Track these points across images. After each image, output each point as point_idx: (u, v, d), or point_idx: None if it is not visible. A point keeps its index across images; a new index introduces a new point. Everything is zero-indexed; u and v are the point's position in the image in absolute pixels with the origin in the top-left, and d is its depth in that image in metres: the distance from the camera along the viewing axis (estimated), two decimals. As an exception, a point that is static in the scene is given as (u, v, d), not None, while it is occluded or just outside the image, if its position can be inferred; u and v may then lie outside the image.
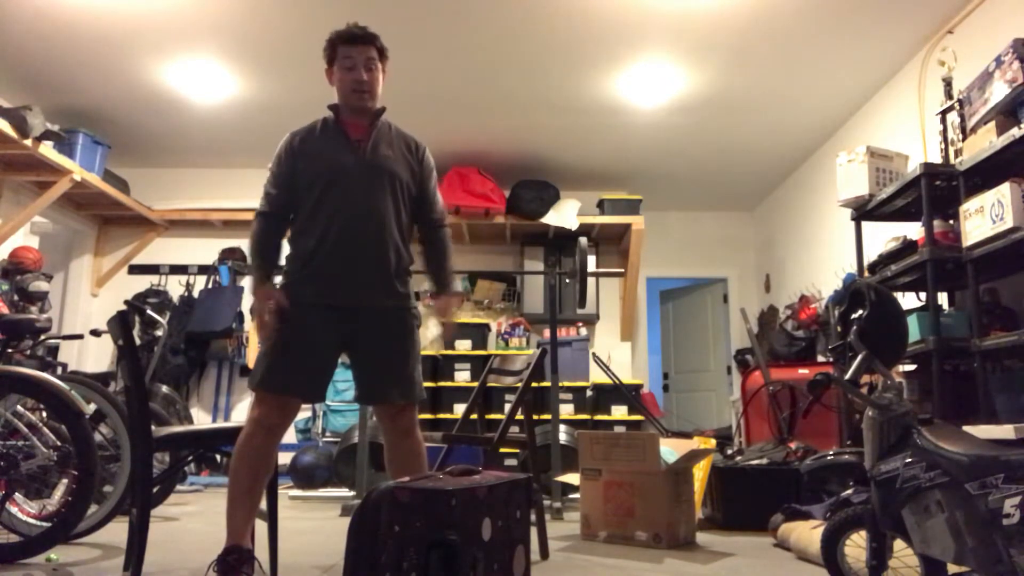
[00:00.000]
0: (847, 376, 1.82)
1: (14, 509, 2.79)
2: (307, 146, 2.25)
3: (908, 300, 3.88)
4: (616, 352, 6.65)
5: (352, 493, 4.50)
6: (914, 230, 3.68)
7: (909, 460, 1.65)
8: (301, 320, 2.14)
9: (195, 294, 6.24)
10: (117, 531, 2.88)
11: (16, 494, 2.80)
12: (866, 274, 3.90)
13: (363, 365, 2.23)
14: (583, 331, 6.38)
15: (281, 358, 2.11)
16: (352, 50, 2.26)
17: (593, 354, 5.77)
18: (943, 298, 3.71)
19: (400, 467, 2.22)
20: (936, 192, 3.38)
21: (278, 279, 2.24)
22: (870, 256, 3.89)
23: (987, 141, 3.09)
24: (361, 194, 2.20)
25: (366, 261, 2.19)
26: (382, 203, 2.21)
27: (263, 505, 2.22)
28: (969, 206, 3.06)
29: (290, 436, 5.17)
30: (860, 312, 1.89)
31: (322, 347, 2.16)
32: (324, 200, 2.19)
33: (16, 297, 4.87)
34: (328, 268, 2.17)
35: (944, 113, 3.73)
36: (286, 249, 2.27)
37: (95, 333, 4.57)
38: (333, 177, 2.20)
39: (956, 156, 3.57)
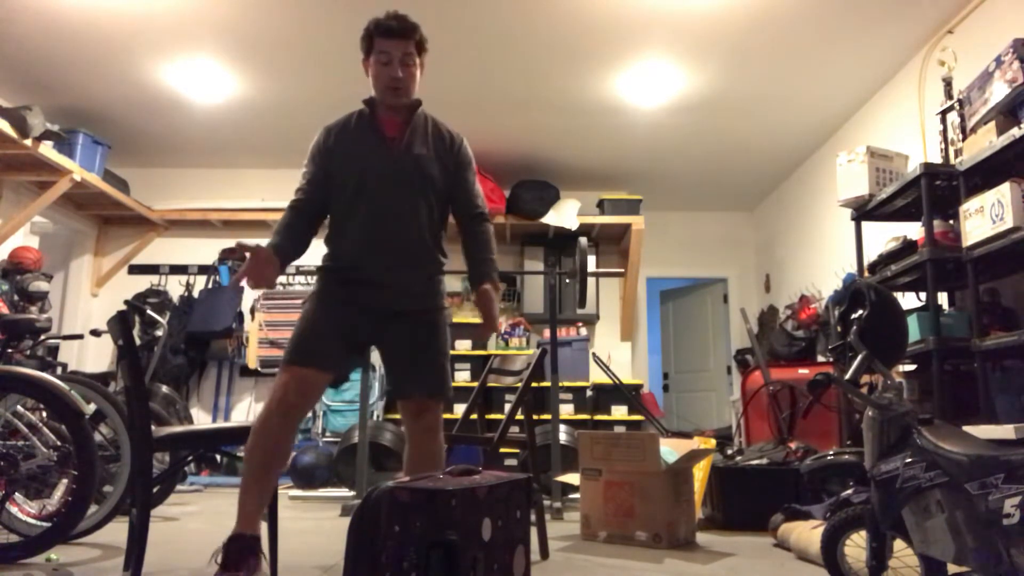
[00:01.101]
0: (847, 376, 1.82)
1: (14, 509, 2.79)
2: (341, 145, 2.21)
3: (908, 300, 3.88)
4: (616, 352, 6.65)
5: (352, 493, 4.50)
6: (914, 230, 3.68)
7: (909, 460, 1.65)
8: (333, 313, 2.14)
9: (195, 294, 6.24)
10: (117, 531, 2.88)
11: (16, 494, 2.80)
12: (866, 274, 3.90)
13: (392, 361, 2.21)
14: (583, 331, 6.38)
15: (307, 337, 2.11)
16: (388, 44, 2.15)
17: (593, 354, 5.77)
18: (943, 298, 3.71)
19: (416, 467, 2.15)
20: (936, 192, 3.39)
21: (312, 277, 2.23)
22: (870, 256, 3.89)
23: (987, 141, 3.09)
24: (394, 196, 2.16)
25: (399, 266, 2.17)
26: (416, 205, 2.17)
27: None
28: (969, 206, 3.06)
29: (290, 436, 5.16)
30: (860, 312, 1.89)
31: (350, 332, 2.15)
32: (357, 202, 2.16)
33: (16, 297, 4.87)
34: (361, 272, 2.16)
35: (944, 113, 3.73)
36: (321, 248, 2.25)
37: (95, 333, 4.57)
38: (366, 179, 2.16)
39: (956, 156, 3.57)
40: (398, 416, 5.79)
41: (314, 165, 2.22)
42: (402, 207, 2.16)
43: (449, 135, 2.30)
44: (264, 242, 2.14)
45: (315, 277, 2.24)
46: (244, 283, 2.07)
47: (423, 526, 1.49)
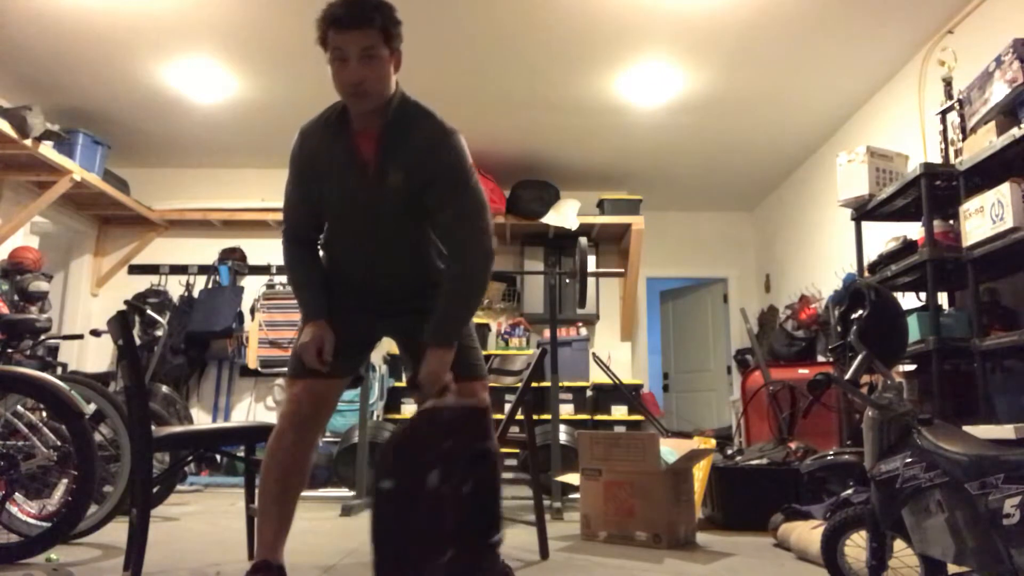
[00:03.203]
0: (847, 376, 1.82)
1: (14, 509, 2.79)
2: (316, 164, 1.94)
3: (908, 300, 3.88)
4: (616, 352, 6.65)
5: (352, 493, 4.50)
6: (914, 230, 3.68)
7: (909, 460, 1.65)
8: (337, 316, 1.97)
9: (195, 294, 6.24)
10: (117, 531, 2.88)
11: (16, 494, 2.80)
12: (866, 274, 3.90)
13: (414, 348, 2.00)
14: (583, 331, 6.38)
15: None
16: (342, 38, 1.75)
17: (593, 354, 5.77)
18: (943, 298, 3.71)
19: None
20: (936, 192, 3.39)
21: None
22: (870, 256, 3.89)
23: (987, 141, 3.09)
24: (377, 229, 1.94)
25: (397, 287, 2.02)
26: (400, 235, 1.95)
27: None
28: (969, 206, 3.06)
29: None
30: (860, 312, 1.89)
31: (358, 332, 2.01)
32: (338, 230, 2.01)
33: (16, 297, 4.87)
34: (356, 294, 2.02)
35: (944, 113, 3.73)
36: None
37: (95, 333, 4.57)
38: (345, 211, 1.96)
39: (956, 156, 3.57)
40: (398, 416, 5.81)
41: (296, 187, 2.01)
42: (386, 237, 1.95)
43: (431, 140, 1.88)
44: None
45: None
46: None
47: (466, 440, 1.62)
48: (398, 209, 1.92)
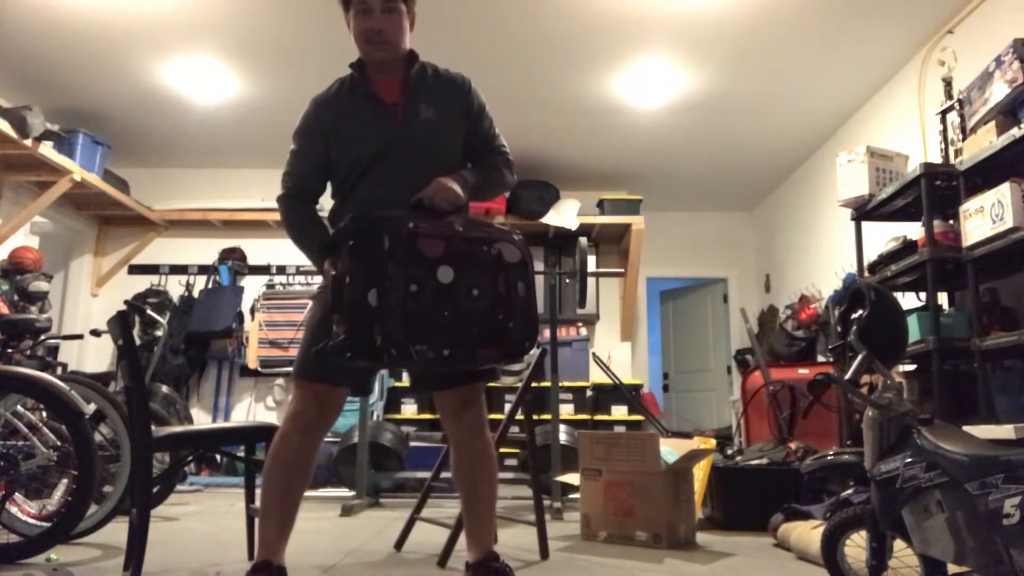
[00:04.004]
0: (847, 376, 1.82)
1: (14, 509, 2.79)
2: (335, 120, 1.99)
3: (908, 300, 3.88)
4: (616, 352, 6.65)
5: (352, 493, 4.50)
6: (914, 230, 3.68)
7: (909, 460, 1.65)
8: None
9: (195, 294, 6.24)
10: (117, 531, 2.88)
11: (16, 494, 2.80)
12: (866, 274, 3.90)
13: None
14: (583, 331, 6.38)
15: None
16: None
17: (593, 354, 5.76)
18: (943, 298, 3.71)
19: (468, 472, 2.00)
20: (936, 192, 3.39)
21: None
22: (870, 256, 3.89)
23: (987, 141, 3.09)
24: (404, 173, 1.93)
25: None
26: (428, 177, 1.92)
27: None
28: (969, 206, 3.06)
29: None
30: (860, 312, 1.89)
31: None
32: (363, 184, 1.97)
33: (16, 297, 4.87)
34: None
35: (944, 113, 3.73)
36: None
37: (95, 333, 4.57)
38: (372, 159, 1.96)
39: (956, 156, 3.57)
40: (398, 416, 5.80)
41: (307, 145, 2.02)
42: (415, 182, 1.89)
43: (457, 83, 2.07)
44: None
45: (318, 277, 2.03)
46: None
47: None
48: (427, 154, 1.98)
